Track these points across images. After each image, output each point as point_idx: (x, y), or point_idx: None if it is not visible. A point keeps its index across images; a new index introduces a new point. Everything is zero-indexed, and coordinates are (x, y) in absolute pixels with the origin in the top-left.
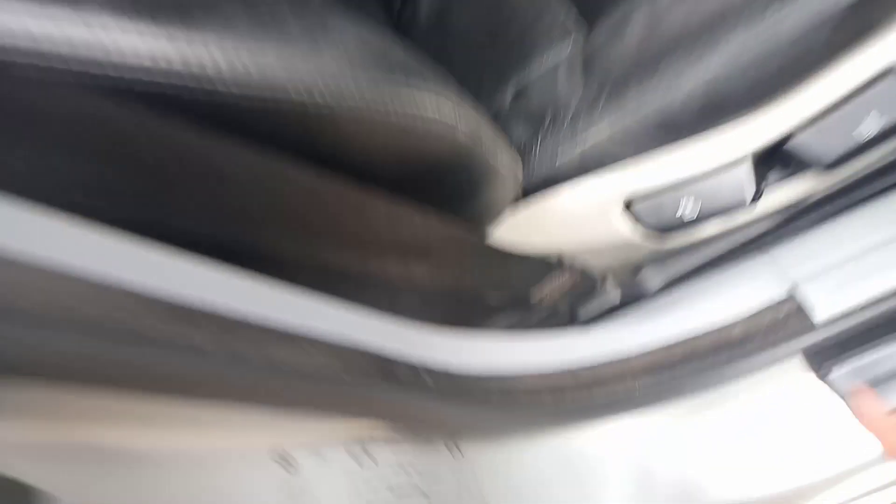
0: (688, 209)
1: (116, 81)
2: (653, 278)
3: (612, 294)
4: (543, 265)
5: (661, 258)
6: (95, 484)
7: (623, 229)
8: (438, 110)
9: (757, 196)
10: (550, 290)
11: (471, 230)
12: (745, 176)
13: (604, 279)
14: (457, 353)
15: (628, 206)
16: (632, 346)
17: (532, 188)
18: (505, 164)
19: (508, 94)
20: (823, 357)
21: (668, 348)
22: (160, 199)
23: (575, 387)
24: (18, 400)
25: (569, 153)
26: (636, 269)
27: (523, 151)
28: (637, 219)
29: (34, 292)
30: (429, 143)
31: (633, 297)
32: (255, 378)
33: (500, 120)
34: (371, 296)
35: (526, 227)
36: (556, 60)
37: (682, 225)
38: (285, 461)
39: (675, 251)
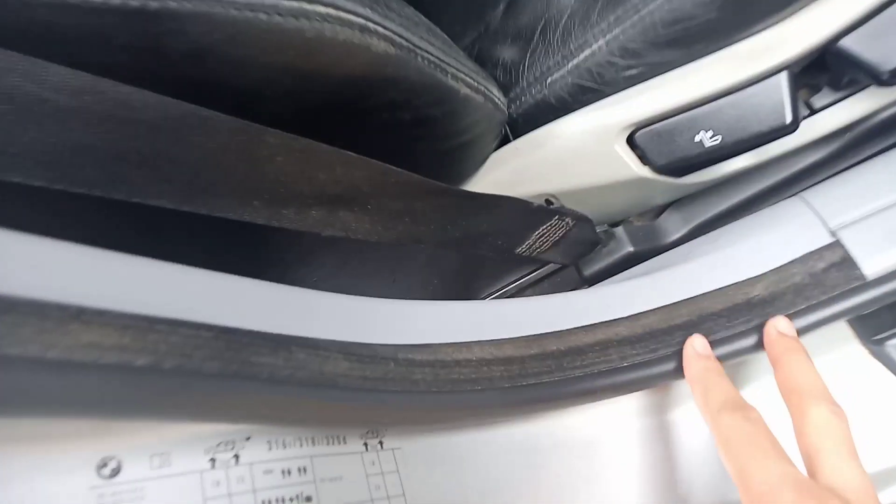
0: (706, 139)
1: None
2: (673, 224)
3: (622, 245)
4: (523, 212)
5: (684, 199)
6: None
7: (627, 167)
8: (337, 8)
9: (796, 119)
10: (538, 241)
11: (410, 173)
12: (780, 92)
13: (610, 228)
14: (381, 323)
15: (633, 138)
16: (622, 307)
17: (521, 121)
18: (466, 82)
19: (500, 6)
20: (875, 324)
21: (669, 309)
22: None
23: (539, 357)
24: None
25: (559, 74)
26: (657, 212)
27: (510, 76)
28: (643, 154)
29: None
30: (329, 51)
31: (649, 248)
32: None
33: (487, 40)
34: (367, 264)
35: (516, 170)
36: None
37: (700, 160)
38: (105, 466)
39: (698, 192)
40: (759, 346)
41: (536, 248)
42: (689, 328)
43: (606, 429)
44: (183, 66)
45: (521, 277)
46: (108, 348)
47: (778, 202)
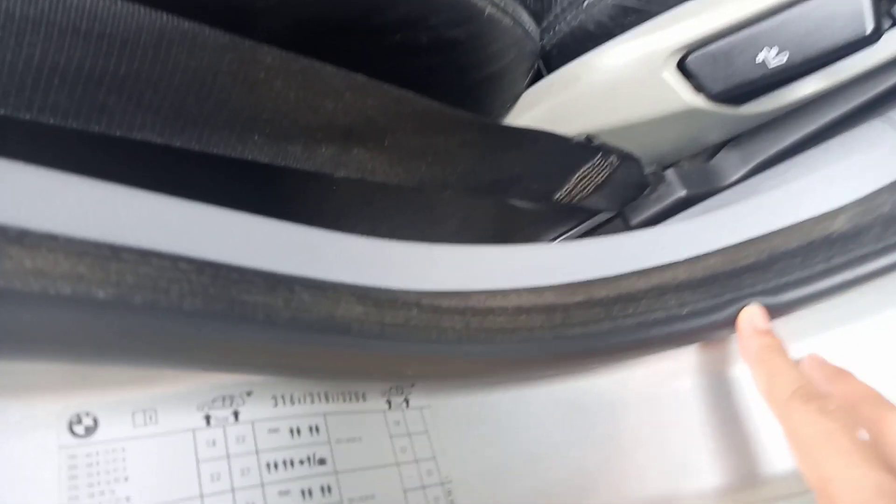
0: (770, 58)
1: None
2: (731, 164)
3: (674, 188)
4: (562, 149)
5: (742, 136)
6: None
7: (678, 97)
8: None
9: (878, 28)
10: (579, 184)
11: (432, 101)
12: None
13: (660, 170)
14: (402, 267)
15: (684, 63)
16: (680, 248)
17: (555, 52)
18: (491, 1)
19: None
20: None
21: (735, 249)
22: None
23: (585, 304)
24: None
25: None
26: (711, 153)
27: (542, 1)
28: (698, 82)
29: None
30: None
31: (703, 192)
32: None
33: None
34: (399, 230)
35: (553, 109)
36: None
37: (763, 84)
38: (79, 423)
39: (759, 127)
40: (841, 288)
41: (577, 194)
42: (758, 270)
43: (663, 386)
44: None
45: (563, 233)
46: (58, 277)
47: (848, 128)
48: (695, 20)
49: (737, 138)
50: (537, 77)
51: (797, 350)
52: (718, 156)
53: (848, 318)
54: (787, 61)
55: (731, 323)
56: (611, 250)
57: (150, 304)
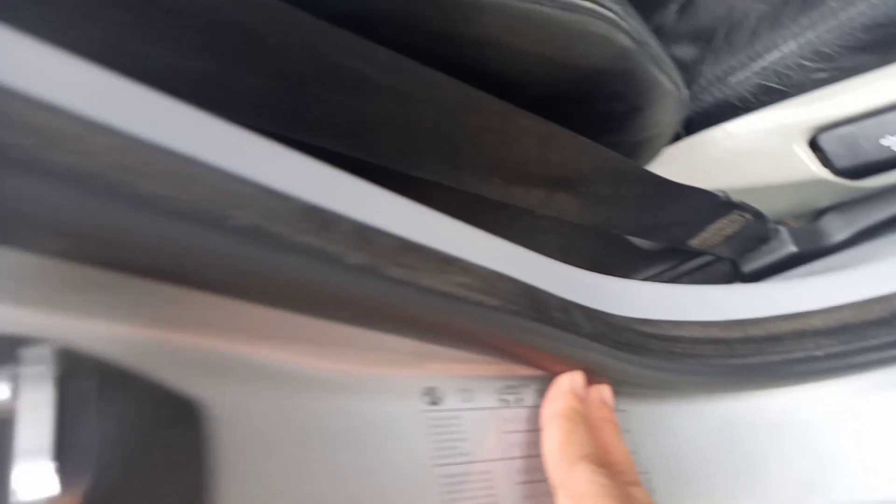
0: (895, 143)
1: None
2: (836, 227)
3: (785, 244)
4: (709, 203)
5: (846, 203)
6: (248, 399)
7: (807, 169)
8: (597, 3)
9: None
10: (713, 233)
11: (628, 159)
12: None
13: (776, 226)
14: (611, 296)
15: (815, 140)
16: (814, 300)
17: (697, 118)
18: (670, 78)
19: (672, 7)
20: None
21: (862, 304)
22: (292, 100)
23: (742, 340)
24: (186, 311)
25: (743, 75)
26: (815, 215)
27: (688, 74)
28: (826, 157)
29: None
30: (586, 43)
31: (810, 250)
32: (392, 294)
33: (661, 39)
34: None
35: (688, 166)
36: None
37: (885, 165)
38: (431, 394)
39: (866, 195)
40: None
41: (709, 241)
42: (883, 324)
43: (795, 412)
44: (468, 52)
45: (663, 270)
46: (473, 289)
47: None
48: (829, 105)
49: (840, 205)
50: (674, 136)
51: None
52: (825, 218)
53: None
54: None
55: (858, 367)
56: (758, 297)
57: (506, 309)
